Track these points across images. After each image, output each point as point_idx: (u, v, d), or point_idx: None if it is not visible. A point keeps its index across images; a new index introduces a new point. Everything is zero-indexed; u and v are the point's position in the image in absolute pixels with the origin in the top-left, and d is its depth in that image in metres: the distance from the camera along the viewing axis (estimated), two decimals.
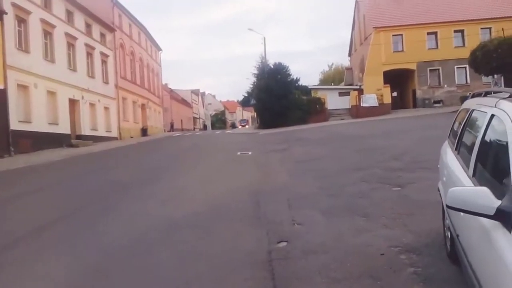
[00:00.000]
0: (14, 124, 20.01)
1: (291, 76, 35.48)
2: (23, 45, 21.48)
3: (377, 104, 33.32)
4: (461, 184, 2.77)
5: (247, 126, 70.34)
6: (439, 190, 4.14)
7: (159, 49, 50.54)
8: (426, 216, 5.34)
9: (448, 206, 2.12)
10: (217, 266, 4.25)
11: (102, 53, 31.55)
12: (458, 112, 4.31)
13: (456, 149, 3.57)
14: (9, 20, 20.07)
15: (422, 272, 3.71)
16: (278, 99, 31.97)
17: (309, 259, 4.30)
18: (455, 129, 4.09)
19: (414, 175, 8.16)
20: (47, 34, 23.96)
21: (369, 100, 33.73)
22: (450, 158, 3.64)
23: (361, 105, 33.67)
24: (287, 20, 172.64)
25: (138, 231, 5.76)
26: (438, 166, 4.38)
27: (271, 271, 4.06)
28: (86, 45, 28.94)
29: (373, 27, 34.89)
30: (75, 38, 27.11)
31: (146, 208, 7.27)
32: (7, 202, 8.51)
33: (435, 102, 34.17)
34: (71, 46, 26.87)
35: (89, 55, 29.62)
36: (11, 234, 5.85)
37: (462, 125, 3.59)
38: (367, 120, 28.92)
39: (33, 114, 21.88)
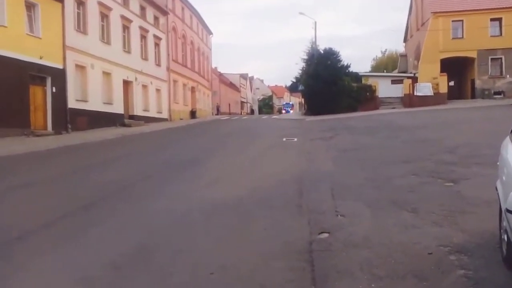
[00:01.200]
0: (72, 102, 21.07)
1: (341, 62, 34.48)
2: (81, 27, 22.42)
3: (432, 94, 31.80)
4: None
5: (291, 112, 64.39)
6: (496, 189, 3.84)
7: (210, 32, 50.98)
8: (480, 215, 5.02)
9: (508, 211, 1.92)
10: (255, 253, 4.22)
11: (155, 36, 32.29)
12: None
13: None
14: (69, 3, 20.97)
15: (473, 275, 3.47)
16: (327, 85, 31.27)
17: (351, 253, 4.16)
18: None
19: (468, 170, 7.70)
20: (104, 17, 24.82)
21: (424, 89, 32.24)
22: (511, 156, 3.34)
23: (415, 94, 32.27)
24: (339, 3, 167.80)
25: (179, 212, 5.85)
26: (498, 163, 4.05)
27: (311, 262, 3.97)
28: (140, 28, 29.70)
29: (432, 12, 33.07)
30: (130, 21, 27.90)
31: (189, 189, 7.39)
32: (66, 175, 8.99)
33: (496, 93, 32.05)
34: (126, 28, 27.70)
35: (143, 37, 30.40)
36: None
37: None
38: (421, 109, 27.69)
39: (89, 94, 22.92)
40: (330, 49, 34.97)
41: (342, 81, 32.58)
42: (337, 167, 9.40)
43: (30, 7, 18.56)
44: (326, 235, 4.75)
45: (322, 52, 35.07)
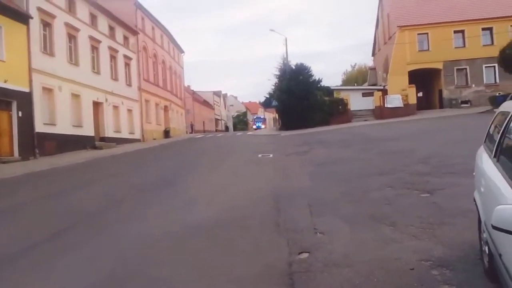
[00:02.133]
0: (39, 126, 20.38)
1: (313, 77, 35.02)
2: (48, 49, 21.89)
3: (402, 105, 32.56)
4: (506, 199, 2.46)
5: (263, 126, 66.32)
6: (474, 200, 3.80)
7: (182, 51, 50.90)
8: (458, 226, 4.99)
9: (494, 227, 1.84)
10: (234, 279, 4.03)
11: (125, 56, 31.91)
12: (495, 115, 3.96)
13: (495, 157, 3.24)
14: (35, 24, 20.47)
15: None
16: (299, 100, 31.60)
17: (332, 272, 4.03)
18: (492, 133, 3.75)
19: (443, 180, 7.75)
20: (72, 38, 24.36)
21: (394, 100, 32.99)
22: (488, 166, 3.31)
23: (386, 106, 32.99)
24: (309, 20, 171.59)
25: (152, 237, 5.59)
26: (474, 174, 4.03)
27: (291, 286, 3.82)
28: (110, 48, 29.31)
29: (398, 26, 34.13)
30: (98, 41, 27.49)
31: (163, 212, 7.13)
32: (34, 202, 8.55)
33: (463, 102, 33.13)
34: (94, 49, 27.26)
35: (113, 58, 29.98)
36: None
37: (502, 129, 3.26)
38: (392, 121, 28.27)
39: (58, 117, 22.26)
40: (302, 64, 35.50)
41: (314, 95, 32.98)
42: (313, 182, 9.32)
43: None
44: (306, 254, 4.61)
45: (293, 67, 35.52)
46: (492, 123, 3.93)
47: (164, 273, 4.28)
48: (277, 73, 37.07)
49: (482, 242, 3.58)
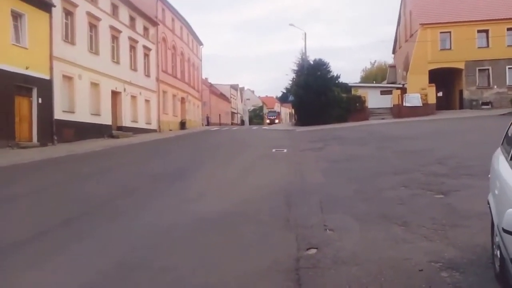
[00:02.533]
0: (58, 113, 20.73)
1: (331, 73, 34.71)
2: (69, 37, 22.20)
3: (420, 104, 32.05)
4: None
5: (277, 122, 63.30)
6: (488, 203, 3.72)
7: (200, 43, 51.01)
8: (471, 229, 4.89)
9: (504, 230, 1.78)
10: (240, 273, 4.03)
11: (144, 47, 32.14)
12: None
13: (511, 159, 3.15)
14: (57, 13, 20.76)
15: None
16: (316, 96, 31.36)
17: (340, 270, 3.99)
18: (510, 135, 3.65)
19: (459, 181, 7.61)
20: (93, 27, 24.64)
21: (413, 99, 32.49)
22: (504, 169, 3.22)
23: (404, 104, 32.50)
24: (329, 16, 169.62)
25: (163, 228, 5.64)
26: (489, 176, 3.94)
27: (297, 281, 3.80)
28: (130, 38, 29.55)
29: (420, 24, 33.50)
30: (119, 31, 27.73)
31: (175, 203, 7.18)
32: (49, 188, 8.73)
33: (484, 103, 32.41)
34: (115, 39, 27.52)
35: (132, 48, 30.24)
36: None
37: None
38: (410, 120, 27.86)
39: (77, 105, 22.60)
40: (320, 60, 35.20)
41: (331, 91, 32.69)
42: (326, 179, 9.26)
43: (16, 17, 18.32)
44: (314, 251, 4.58)
45: (312, 63, 35.25)
46: (511, 125, 3.82)
47: (172, 263, 4.31)
48: (295, 68, 36.92)
49: (494, 246, 3.50)
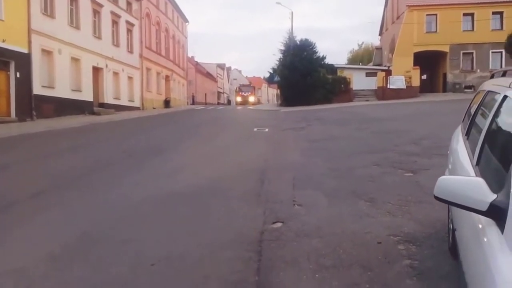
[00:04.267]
0: (37, 89, 20.29)
1: (317, 54, 34.62)
2: (48, 10, 21.56)
3: (404, 87, 32.26)
4: (463, 174, 2.45)
5: (252, 100, 52.04)
6: None
7: (186, 20, 50.14)
8: (435, 205, 4.98)
9: (436, 197, 1.83)
10: (204, 243, 4.08)
11: (127, 22, 31.46)
12: (475, 94, 3.91)
13: (466, 134, 3.21)
14: None
15: (418, 265, 3.43)
16: (302, 76, 31.32)
17: (301, 242, 4.07)
18: (469, 112, 3.71)
19: (430, 161, 7.75)
20: (73, 0, 23.95)
21: (397, 82, 32.65)
22: (458, 144, 3.29)
23: (388, 87, 32.65)
24: None
25: (132, 202, 5.64)
26: (448, 152, 4.02)
27: (258, 252, 3.86)
28: (112, 13, 28.86)
29: (407, 5, 33.42)
30: (101, 6, 27.04)
31: (148, 179, 7.16)
32: (23, 162, 8.61)
33: (466, 87, 32.76)
34: (96, 13, 26.84)
35: (115, 23, 29.56)
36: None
37: (475, 108, 3.22)
38: (393, 102, 28.07)
39: (57, 80, 22.13)
40: (306, 40, 34.98)
41: (317, 72, 32.64)
42: (303, 157, 9.32)
43: None
44: (279, 224, 4.65)
45: (298, 43, 34.99)
46: (471, 102, 3.88)
47: (136, 235, 4.33)
48: (282, 48, 36.57)
49: (449, 220, 3.59)
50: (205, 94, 63.18)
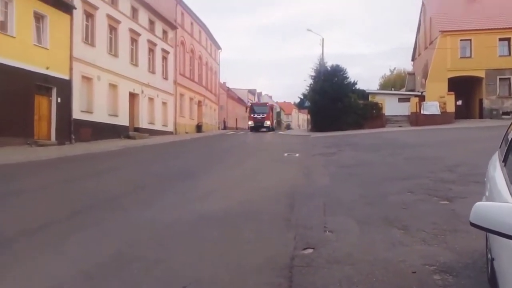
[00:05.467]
0: (77, 113, 21.19)
1: (348, 79, 34.62)
2: (89, 39, 22.71)
3: (439, 112, 31.58)
4: (501, 201, 2.38)
5: (268, 124, 40.15)
6: None
7: (219, 47, 51.46)
8: (472, 234, 4.81)
9: (472, 224, 1.79)
10: (234, 267, 4.08)
11: (163, 50, 32.61)
12: None
13: (503, 161, 3.13)
14: (78, 15, 21.30)
15: None
16: (333, 102, 31.30)
17: (333, 269, 4.00)
18: (507, 138, 3.61)
19: (466, 188, 7.50)
20: (112, 29, 25.16)
21: (431, 107, 32.04)
22: (495, 171, 3.20)
23: (422, 112, 32.07)
24: (347, 22, 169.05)
25: (164, 223, 5.73)
26: (485, 179, 3.90)
27: (289, 278, 3.82)
28: (149, 41, 30.03)
29: (440, 31, 33.07)
30: (138, 34, 28.23)
31: (180, 201, 7.27)
32: (61, 183, 8.95)
33: (504, 113, 31.68)
34: (134, 41, 28.02)
35: (151, 51, 30.72)
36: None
37: None
38: (427, 128, 27.49)
39: (95, 105, 23.06)
40: (337, 66, 35.12)
41: (348, 98, 32.57)
42: (334, 182, 9.24)
43: (39, 18, 18.86)
44: (310, 250, 4.59)
45: (329, 69, 35.17)
46: (509, 127, 3.77)
47: (168, 256, 4.38)
48: (313, 74, 36.84)
49: (487, 250, 3.46)
50: (236, 119, 63.97)
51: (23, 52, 17.49)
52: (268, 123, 40.44)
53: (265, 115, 40.62)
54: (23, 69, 17.35)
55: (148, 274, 3.92)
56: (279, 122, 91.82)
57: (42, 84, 18.92)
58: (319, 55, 36.75)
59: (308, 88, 37.80)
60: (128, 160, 14.94)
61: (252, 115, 41.29)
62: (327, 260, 4.25)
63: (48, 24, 19.11)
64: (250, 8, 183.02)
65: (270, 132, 38.03)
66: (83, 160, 14.69)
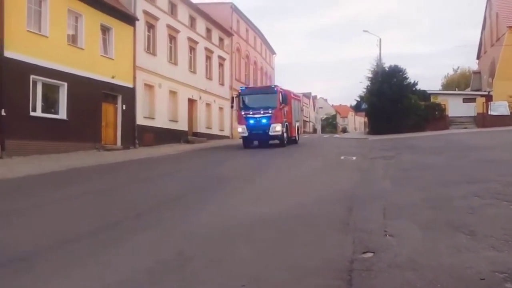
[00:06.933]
0: (140, 119, 22.32)
1: (408, 80, 33.33)
2: (151, 49, 23.87)
3: (508, 113, 29.54)
4: None
5: (277, 130, 19.98)
6: None
7: (273, 52, 51.82)
8: None
9: None
10: (291, 268, 4.09)
11: (219, 57, 33.43)
12: None
13: None
14: (140, 26, 22.46)
15: None
16: (391, 103, 30.30)
17: (394, 274, 3.88)
18: None
19: None
20: (172, 39, 26.22)
21: (499, 108, 30.07)
22: None
23: (489, 113, 30.16)
24: (406, 20, 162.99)
25: (221, 224, 5.87)
26: None
27: (348, 281, 3.76)
28: (206, 49, 30.94)
29: (507, 26, 30.98)
30: (196, 42, 29.18)
31: (236, 203, 7.41)
32: (126, 185, 9.48)
33: None
34: (192, 49, 29.00)
35: (208, 58, 31.61)
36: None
37: None
38: (495, 130, 25.79)
39: (156, 111, 24.15)
40: (396, 66, 33.97)
41: (408, 99, 31.40)
42: (394, 186, 8.94)
43: (105, 30, 20.13)
44: (370, 254, 4.49)
45: (387, 69, 34.13)
46: None
47: (226, 256, 4.49)
48: (370, 75, 35.96)
49: None
50: None
51: (91, 63, 18.75)
52: (278, 128, 20.39)
53: (271, 111, 20.47)
54: (91, 78, 18.59)
55: (208, 272, 4.04)
56: (334, 125, 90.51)
57: (109, 92, 20.14)
58: (376, 56, 35.72)
59: (365, 90, 36.96)
60: (187, 163, 15.47)
61: (243, 114, 21.07)
62: (388, 264, 4.14)
63: (113, 35, 20.34)
64: (304, 11, 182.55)
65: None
66: (146, 163, 15.43)
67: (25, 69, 15.95)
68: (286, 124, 21.64)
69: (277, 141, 21.26)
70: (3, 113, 15.09)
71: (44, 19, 17.02)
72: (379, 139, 25.82)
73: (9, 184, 10.48)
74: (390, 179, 9.93)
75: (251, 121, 20.80)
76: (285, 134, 21.21)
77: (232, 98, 23.17)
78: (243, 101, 21.57)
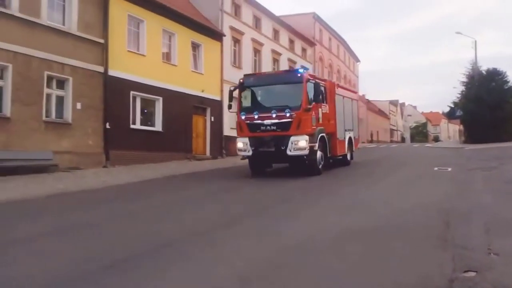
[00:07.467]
0: (227, 130, 23.20)
1: (509, 84, 30.48)
2: (236, 62, 24.76)
3: None
4: None
5: (302, 144, 11.99)
6: None
7: (357, 60, 50.74)
8: None
9: None
10: (384, 283, 3.97)
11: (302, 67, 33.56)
12: None
13: None
14: (227, 41, 23.45)
15: None
16: (490, 109, 27.93)
17: None
18: None
19: None
20: (256, 52, 26.97)
21: None
22: None
23: None
24: (502, 20, 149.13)
25: (311, 234, 5.86)
26: None
27: None
28: (289, 59, 31.28)
29: None
30: (279, 54, 29.65)
31: (324, 214, 7.36)
32: (213, 194, 9.98)
33: None
34: (275, 61, 29.52)
35: (291, 68, 31.90)
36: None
37: None
38: None
39: None
40: (495, 69, 31.35)
41: (510, 104, 28.72)
42: (497, 200, 8.22)
43: (195, 47, 21.37)
44: (472, 274, 4.19)
45: (484, 73, 31.59)
46: None
47: (312, 264, 4.50)
48: (464, 80, 33.53)
49: None
50: (377, 132, 61.71)
51: (183, 78, 20.00)
52: (303, 143, 12.54)
53: (291, 113, 12.52)
54: (183, 93, 19.82)
55: (295, 280, 4.09)
56: (425, 134, 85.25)
57: (199, 105, 21.30)
58: (471, 58, 33.32)
59: (459, 95, 34.52)
60: (272, 172, 15.70)
61: (244, 119, 13.42)
62: (493, 285, 3.83)
63: (202, 51, 21.51)
64: (388, 15, 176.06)
65: (422, 144, 25.25)
66: (234, 171, 16.00)
67: (126, 86, 17.55)
68: (323, 137, 13.66)
69: (303, 161, 12.97)
70: (107, 126, 16.69)
71: (142, 39, 18.61)
72: (477, 149, 23.88)
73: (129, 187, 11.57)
74: (493, 192, 9.15)
75: (258, 131, 12.88)
76: (318, 154, 13.20)
77: (230, 91, 14.57)
78: (246, 97, 13.83)
